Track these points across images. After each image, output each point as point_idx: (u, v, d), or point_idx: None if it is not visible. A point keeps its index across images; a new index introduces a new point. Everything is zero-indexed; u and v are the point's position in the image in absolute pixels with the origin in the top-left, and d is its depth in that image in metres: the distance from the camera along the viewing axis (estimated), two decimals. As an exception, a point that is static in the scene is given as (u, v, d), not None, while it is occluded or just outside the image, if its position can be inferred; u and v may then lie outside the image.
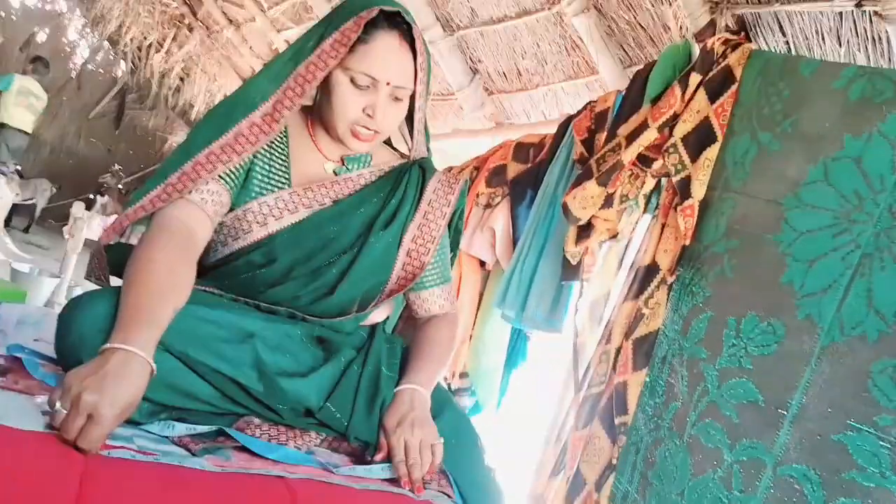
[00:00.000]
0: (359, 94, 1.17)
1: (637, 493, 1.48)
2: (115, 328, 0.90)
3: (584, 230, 1.88)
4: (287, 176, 1.24)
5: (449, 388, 2.67)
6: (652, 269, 1.60)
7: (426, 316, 1.38)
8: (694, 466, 1.34)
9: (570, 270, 1.99)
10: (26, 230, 7.51)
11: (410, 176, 1.32)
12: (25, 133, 6.46)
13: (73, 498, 0.68)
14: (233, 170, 1.18)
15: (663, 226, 1.64)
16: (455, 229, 1.43)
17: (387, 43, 1.17)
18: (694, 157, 1.57)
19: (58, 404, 0.82)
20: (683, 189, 1.56)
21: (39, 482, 0.70)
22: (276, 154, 1.24)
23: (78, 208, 4.71)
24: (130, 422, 0.96)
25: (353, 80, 1.16)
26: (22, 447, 0.77)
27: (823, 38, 1.68)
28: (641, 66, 1.95)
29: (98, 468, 0.78)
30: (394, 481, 1.08)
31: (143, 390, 0.87)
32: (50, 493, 0.68)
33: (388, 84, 1.16)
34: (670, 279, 1.54)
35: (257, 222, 1.20)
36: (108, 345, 0.87)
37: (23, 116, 6.42)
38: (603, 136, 1.95)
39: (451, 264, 1.46)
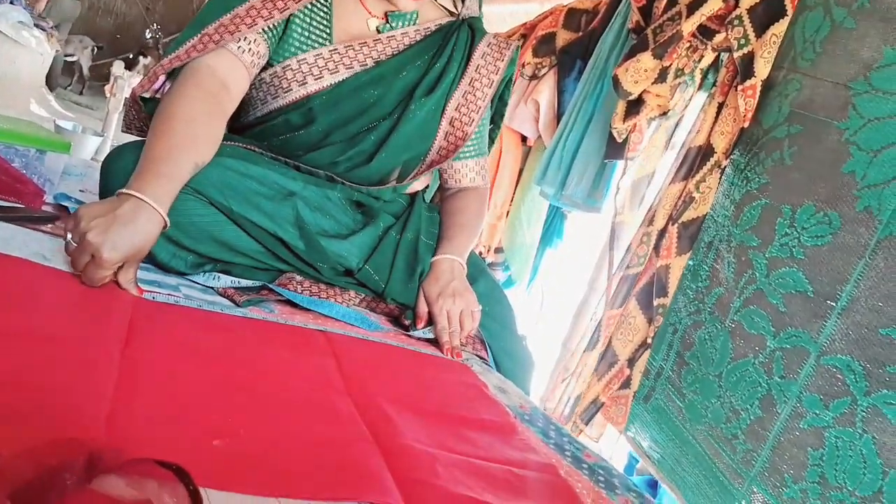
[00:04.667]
0: None
1: (672, 371, 1.50)
2: (133, 176, 0.88)
3: (634, 106, 1.79)
4: (328, 32, 1.18)
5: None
6: (706, 152, 1.53)
7: (456, 187, 1.36)
8: (734, 350, 1.35)
9: (615, 148, 1.93)
10: (81, 92, 7.54)
11: (458, 37, 1.26)
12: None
13: (122, 338, 0.71)
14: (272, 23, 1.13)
15: (720, 105, 1.55)
16: (500, 99, 1.38)
17: None
18: (760, 32, 1.46)
19: (69, 236, 0.82)
20: (745, 66, 1.46)
21: (90, 322, 0.73)
22: (318, 8, 1.18)
23: (118, 67, 4.69)
24: (177, 272, 0.99)
25: None
26: (72, 289, 0.79)
27: None
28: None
29: (146, 312, 0.80)
30: (430, 341, 1.11)
31: (151, 240, 0.86)
32: (101, 333, 0.71)
33: None
34: (724, 162, 1.48)
35: (296, 81, 1.16)
36: (123, 190, 0.86)
37: None
38: (662, 3, 1.81)
39: (493, 138, 1.41)
